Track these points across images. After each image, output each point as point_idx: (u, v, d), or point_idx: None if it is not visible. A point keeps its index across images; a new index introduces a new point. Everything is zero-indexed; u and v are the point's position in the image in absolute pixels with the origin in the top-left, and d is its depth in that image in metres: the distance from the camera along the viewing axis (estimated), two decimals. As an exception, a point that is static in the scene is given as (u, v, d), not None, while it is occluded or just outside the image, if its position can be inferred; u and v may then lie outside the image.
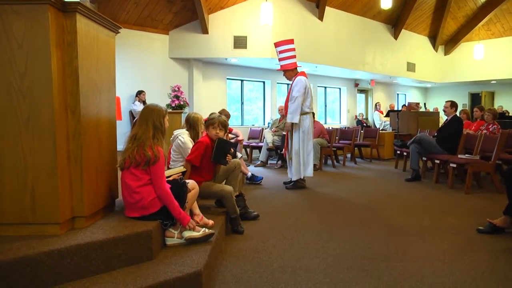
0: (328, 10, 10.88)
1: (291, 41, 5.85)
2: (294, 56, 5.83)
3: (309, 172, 5.83)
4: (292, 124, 5.73)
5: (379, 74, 13.02)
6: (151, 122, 2.84)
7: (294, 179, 5.88)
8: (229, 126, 6.61)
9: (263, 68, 11.34)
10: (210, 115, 3.86)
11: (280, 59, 5.85)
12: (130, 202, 2.76)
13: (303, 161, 5.76)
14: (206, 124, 3.76)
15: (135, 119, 3.27)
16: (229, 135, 6.48)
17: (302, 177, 5.87)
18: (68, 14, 2.43)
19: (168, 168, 3.87)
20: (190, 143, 4.07)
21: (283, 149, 6.30)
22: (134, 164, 2.73)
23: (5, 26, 2.27)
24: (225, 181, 3.98)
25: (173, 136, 4.29)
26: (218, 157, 3.60)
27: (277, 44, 5.92)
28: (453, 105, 6.64)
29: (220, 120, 3.70)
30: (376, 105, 14.71)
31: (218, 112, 6.03)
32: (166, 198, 2.75)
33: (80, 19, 2.47)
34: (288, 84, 12.17)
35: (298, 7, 10.33)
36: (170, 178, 3.06)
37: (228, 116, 6.36)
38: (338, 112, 14.49)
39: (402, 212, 4.58)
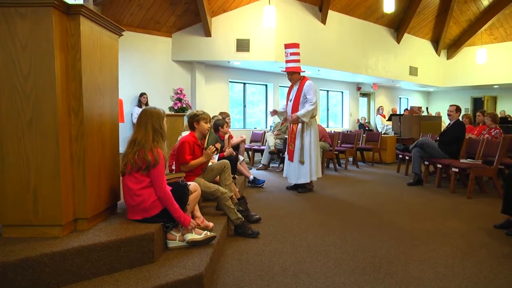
0: (331, 14, 10.88)
1: (298, 45, 6.01)
2: (299, 60, 5.99)
3: (319, 173, 5.99)
4: (304, 123, 5.78)
5: (382, 78, 13.00)
6: (150, 125, 2.84)
7: (302, 182, 5.86)
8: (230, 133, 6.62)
9: (266, 71, 11.34)
10: (213, 117, 3.93)
11: (289, 61, 5.96)
12: (132, 204, 2.76)
13: (315, 163, 5.83)
14: (197, 119, 3.84)
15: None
16: (231, 141, 6.46)
17: (314, 179, 5.90)
18: (72, 17, 2.44)
19: (170, 171, 3.88)
20: None
21: (286, 152, 6.29)
22: (136, 169, 2.74)
23: (10, 28, 2.29)
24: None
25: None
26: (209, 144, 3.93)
27: (287, 46, 6.03)
28: (458, 109, 6.66)
29: (210, 117, 4.02)
30: (378, 109, 14.70)
31: (219, 114, 6.07)
32: (166, 200, 2.76)
33: (83, 22, 2.48)
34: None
35: (301, 11, 10.34)
36: (171, 181, 3.06)
37: (227, 115, 6.35)
38: (340, 115, 14.48)
39: (404, 216, 4.57)
